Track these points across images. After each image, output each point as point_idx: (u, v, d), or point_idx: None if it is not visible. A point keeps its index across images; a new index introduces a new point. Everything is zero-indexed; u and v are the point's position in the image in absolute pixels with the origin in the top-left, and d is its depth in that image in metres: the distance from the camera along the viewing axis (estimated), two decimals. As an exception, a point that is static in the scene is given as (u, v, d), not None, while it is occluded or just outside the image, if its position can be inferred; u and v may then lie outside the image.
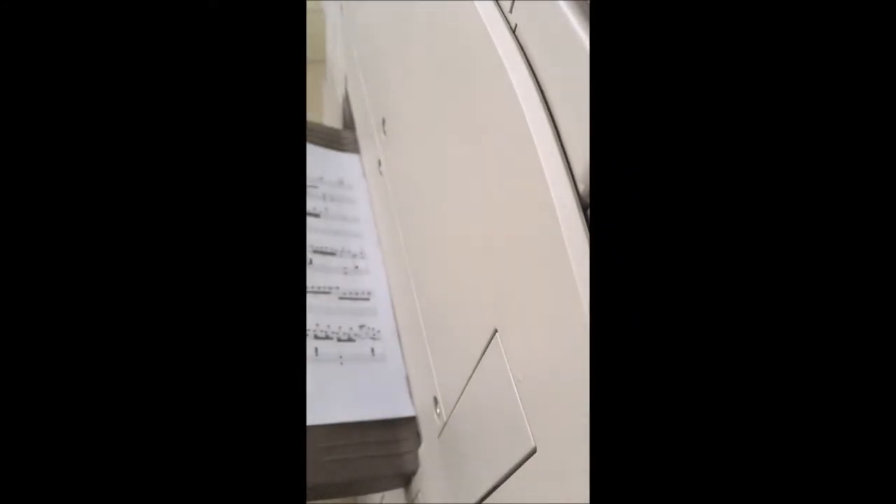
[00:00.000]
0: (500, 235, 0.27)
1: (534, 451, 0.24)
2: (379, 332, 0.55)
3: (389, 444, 0.50)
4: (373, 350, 0.53)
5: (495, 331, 0.27)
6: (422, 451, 0.46)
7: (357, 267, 0.57)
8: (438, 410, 0.39)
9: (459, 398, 0.34)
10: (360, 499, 0.75)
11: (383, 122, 0.50)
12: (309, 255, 0.56)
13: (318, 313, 0.53)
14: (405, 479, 0.50)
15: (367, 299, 0.56)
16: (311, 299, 0.53)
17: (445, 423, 0.37)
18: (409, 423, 0.50)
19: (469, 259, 0.31)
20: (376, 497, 0.63)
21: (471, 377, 0.31)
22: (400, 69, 0.42)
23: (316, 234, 0.58)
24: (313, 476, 0.44)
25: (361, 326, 0.54)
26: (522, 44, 0.25)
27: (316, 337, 0.51)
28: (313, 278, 0.55)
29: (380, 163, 0.53)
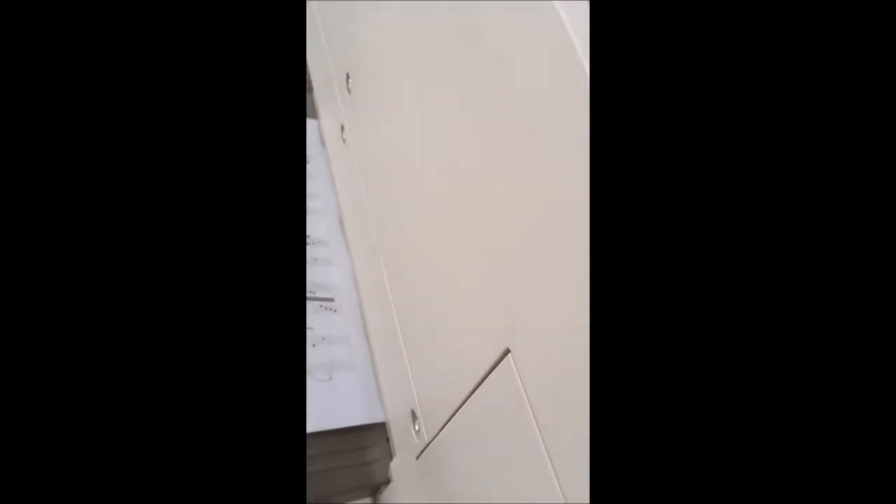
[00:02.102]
0: (515, 228, 0.20)
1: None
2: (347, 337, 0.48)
3: (356, 453, 0.45)
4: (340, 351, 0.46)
5: (507, 351, 0.21)
6: (394, 465, 0.40)
7: (316, 259, 0.49)
8: (417, 427, 0.33)
9: (448, 421, 0.27)
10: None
11: (347, 78, 0.42)
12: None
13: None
14: (372, 489, 0.44)
15: (331, 299, 0.48)
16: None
17: (428, 445, 0.31)
18: (378, 428, 0.45)
19: (468, 255, 0.24)
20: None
21: (466, 400, 0.25)
22: (373, 9, 0.34)
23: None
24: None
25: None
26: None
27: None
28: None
29: (343, 128, 0.45)
